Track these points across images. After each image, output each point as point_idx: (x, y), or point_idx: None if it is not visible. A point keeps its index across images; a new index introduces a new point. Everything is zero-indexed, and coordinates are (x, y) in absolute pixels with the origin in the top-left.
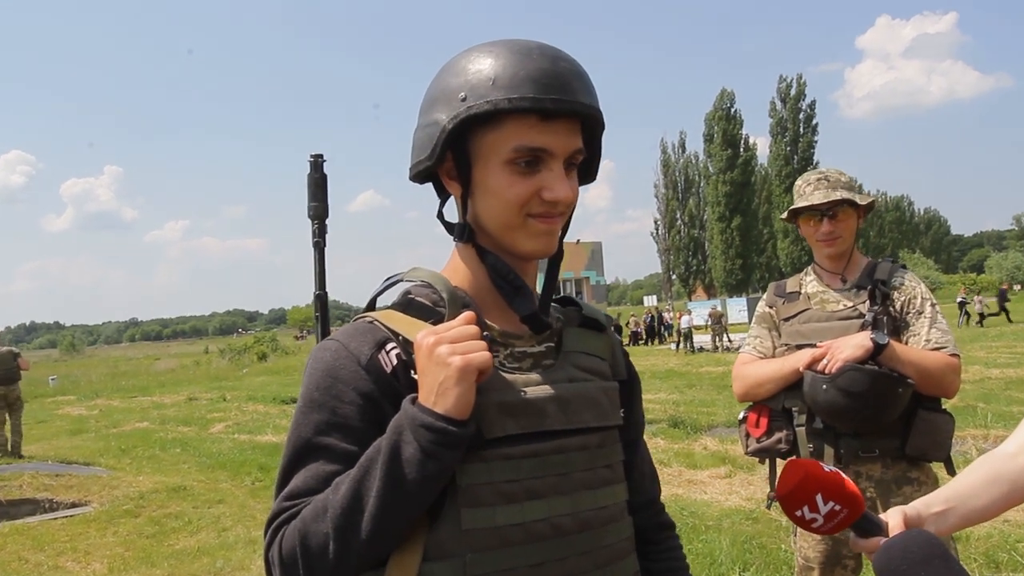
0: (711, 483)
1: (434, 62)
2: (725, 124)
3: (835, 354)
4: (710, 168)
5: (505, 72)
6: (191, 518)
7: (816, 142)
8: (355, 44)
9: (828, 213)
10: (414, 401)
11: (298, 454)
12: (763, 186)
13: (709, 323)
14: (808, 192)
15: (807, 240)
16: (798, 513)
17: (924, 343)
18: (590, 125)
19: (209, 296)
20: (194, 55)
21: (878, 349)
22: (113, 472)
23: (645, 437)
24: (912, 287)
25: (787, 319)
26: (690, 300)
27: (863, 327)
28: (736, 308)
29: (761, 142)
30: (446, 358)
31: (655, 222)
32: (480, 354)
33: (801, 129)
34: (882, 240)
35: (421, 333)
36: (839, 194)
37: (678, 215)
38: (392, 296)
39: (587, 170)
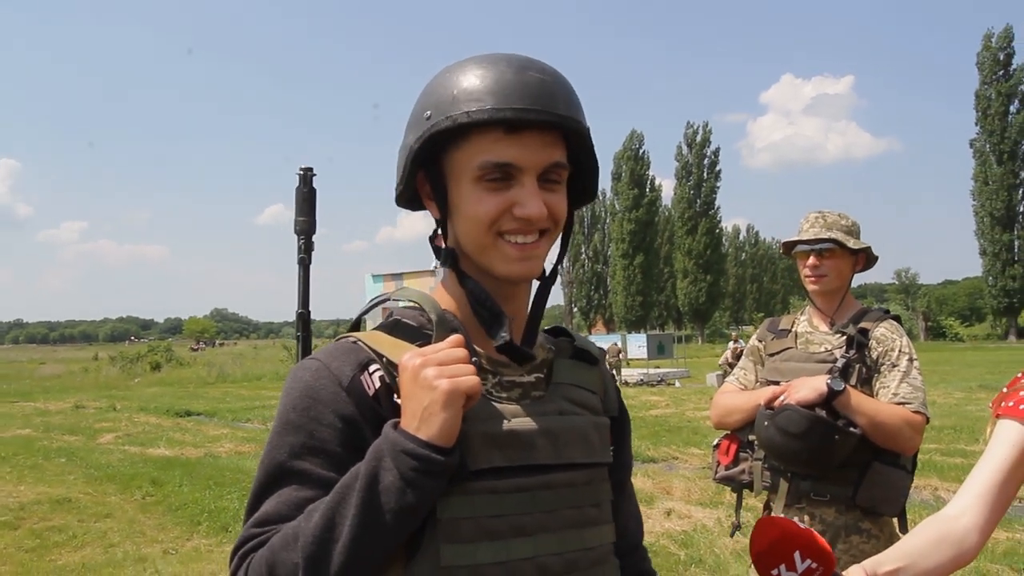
0: None
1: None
2: (633, 164)
3: (790, 393)
4: (616, 205)
5: (468, 86)
6: (76, 532)
7: (718, 188)
8: (265, 49)
9: (816, 250)
10: (396, 426)
11: (271, 478)
12: (666, 227)
13: (607, 358)
14: (804, 228)
15: (800, 276)
16: (774, 572)
17: (891, 396)
18: (575, 140)
19: (102, 301)
20: (103, 51)
21: (832, 395)
22: None
23: None
24: (892, 339)
25: (772, 355)
26: (590, 333)
27: (831, 372)
28: (635, 344)
29: (666, 184)
30: (432, 381)
31: None
32: (468, 378)
33: (705, 174)
34: (775, 286)
35: (407, 355)
36: (830, 234)
37: (583, 249)
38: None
39: (582, 188)
